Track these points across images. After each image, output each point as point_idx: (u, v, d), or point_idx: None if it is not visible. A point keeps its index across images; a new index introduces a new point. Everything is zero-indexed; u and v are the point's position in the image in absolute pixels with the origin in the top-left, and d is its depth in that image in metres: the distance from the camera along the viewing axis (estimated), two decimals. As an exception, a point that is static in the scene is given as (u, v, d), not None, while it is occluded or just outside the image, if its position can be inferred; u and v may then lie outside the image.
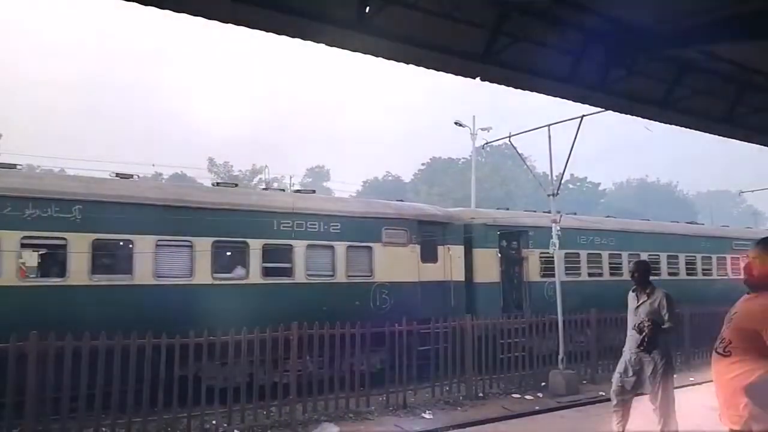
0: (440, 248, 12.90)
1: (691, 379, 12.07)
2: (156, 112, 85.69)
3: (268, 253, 10.78)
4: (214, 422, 8.06)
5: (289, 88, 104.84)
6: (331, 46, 3.77)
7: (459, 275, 13.03)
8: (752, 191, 31.49)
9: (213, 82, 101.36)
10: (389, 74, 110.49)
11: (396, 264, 12.14)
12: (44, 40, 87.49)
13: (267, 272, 10.76)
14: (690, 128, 7.12)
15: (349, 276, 11.57)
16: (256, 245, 10.61)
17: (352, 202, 16.37)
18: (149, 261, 9.63)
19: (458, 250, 13.18)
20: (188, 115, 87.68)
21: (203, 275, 10.09)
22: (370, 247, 11.89)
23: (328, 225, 11.49)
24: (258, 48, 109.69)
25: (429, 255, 12.68)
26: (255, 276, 10.60)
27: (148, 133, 76.99)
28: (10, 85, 75.36)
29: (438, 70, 4.56)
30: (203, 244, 10.12)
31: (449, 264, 12.88)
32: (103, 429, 7.38)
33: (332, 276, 11.43)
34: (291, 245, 11.01)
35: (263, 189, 17.92)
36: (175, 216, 10.02)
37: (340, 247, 11.55)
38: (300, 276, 11.05)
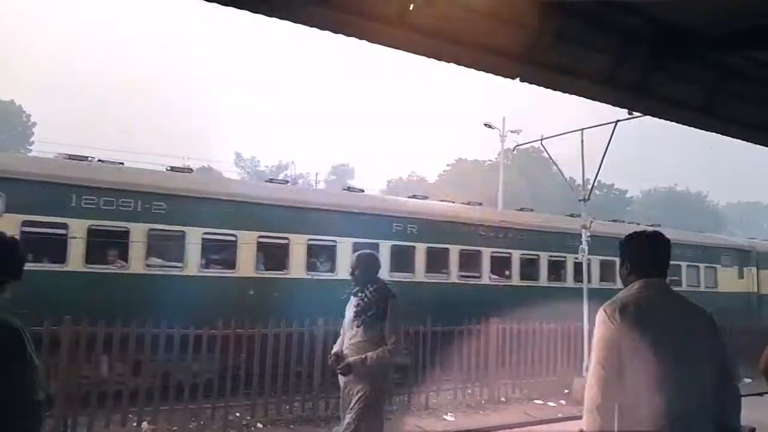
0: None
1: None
2: (176, 105, 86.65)
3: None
4: (237, 414, 8.13)
5: (316, 86, 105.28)
6: (373, 42, 3.74)
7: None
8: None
9: (236, 76, 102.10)
10: (418, 72, 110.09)
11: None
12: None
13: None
14: (730, 136, 6.93)
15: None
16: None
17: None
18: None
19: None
20: (213, 108, 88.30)
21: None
22: None
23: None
24: (284, 42, 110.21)
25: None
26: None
27: (164, 125, 77.95)
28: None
29: (476, 69, 4.47)
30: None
31: None
32: (130, 416, 7.50)
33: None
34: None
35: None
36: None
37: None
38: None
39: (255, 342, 8.32)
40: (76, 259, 9.28)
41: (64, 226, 9.28)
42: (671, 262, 3.01)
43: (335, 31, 3.69)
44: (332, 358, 4.84)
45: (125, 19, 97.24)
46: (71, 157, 10.51)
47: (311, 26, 3.85)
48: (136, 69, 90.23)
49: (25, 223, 8.81)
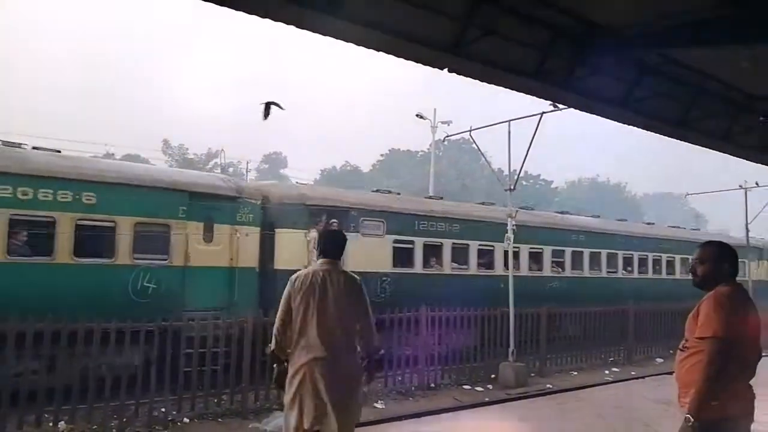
0: None
1: (632, 373, 12.56)
2: (98, 87, 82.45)
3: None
4: (163, 410, 7.87)
5: (248, 72, 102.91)
6: (302, 29, 3.69)
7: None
8: (697, 194, 32.78)
9: (166, 60, 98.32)
10: (352, 61, 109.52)
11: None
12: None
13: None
14: (647, 130, 7.32)
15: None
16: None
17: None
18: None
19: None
20: (138, 93, 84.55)
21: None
22: None
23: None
24: (214, 27, 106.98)
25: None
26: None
27: (90, 110, 73.98)
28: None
29: (407, 59, 4.53)
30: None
31: None
32: (46, 416, 7.11)
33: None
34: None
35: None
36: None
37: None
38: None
39: (181, 335, 8.07)
40: None
41: None
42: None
43: (264, 16, 3.61)
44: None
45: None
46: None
47: (239, 9, 3.75)
48: (51, 50, 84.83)
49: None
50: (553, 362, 12.59)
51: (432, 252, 13.87)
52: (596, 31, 5.25)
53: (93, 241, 9.43)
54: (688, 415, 3.05)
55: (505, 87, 5.47)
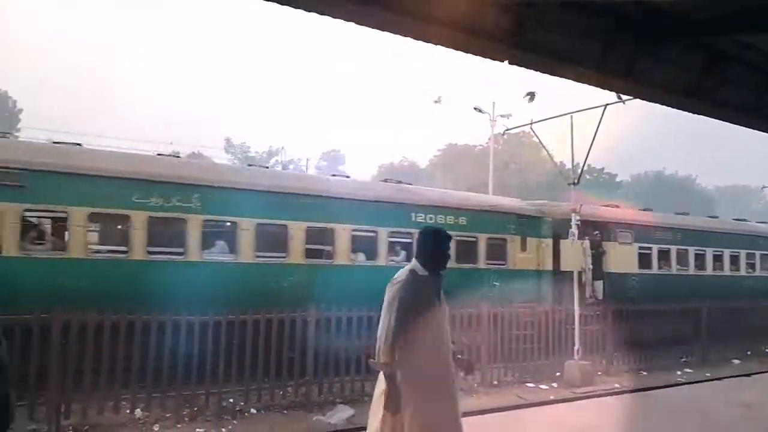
0: None
1: (707, 374, 12.01)
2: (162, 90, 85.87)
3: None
4: (231, 400, 8.17)
5: (306, 70, 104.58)
6: (363, 25, 3.75)
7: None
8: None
9: (224, 61, 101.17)
10: (409, 55, 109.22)
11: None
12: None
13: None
14: (719, 119, 6.99)
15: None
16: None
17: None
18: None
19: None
20: (202, 93, 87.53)
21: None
22: None
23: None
24: (269, 27, 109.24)
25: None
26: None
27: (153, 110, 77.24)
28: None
29: (466, 53, 4.49)
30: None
31: None
32: (123, 403, 7.52)
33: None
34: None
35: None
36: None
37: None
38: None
39: (248, 328, 8.34)
40: None
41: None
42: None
43: (323, 14, 3.68)
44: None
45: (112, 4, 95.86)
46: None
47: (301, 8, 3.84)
48: (125, 57, 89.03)
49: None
50: (620, 361, 12.23)
51: (662, 256, 16.82)
52: (661, 18, 5.06)
53: (465, 252, 12.83)
54: None
55: (566, 78, 5.35)
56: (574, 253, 12.79)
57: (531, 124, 13.25)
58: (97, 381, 7.35)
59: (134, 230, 9.51)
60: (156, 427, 7.40)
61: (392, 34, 4.08)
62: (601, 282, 14.90)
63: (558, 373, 10.96)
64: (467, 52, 4.50)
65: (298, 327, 8.62)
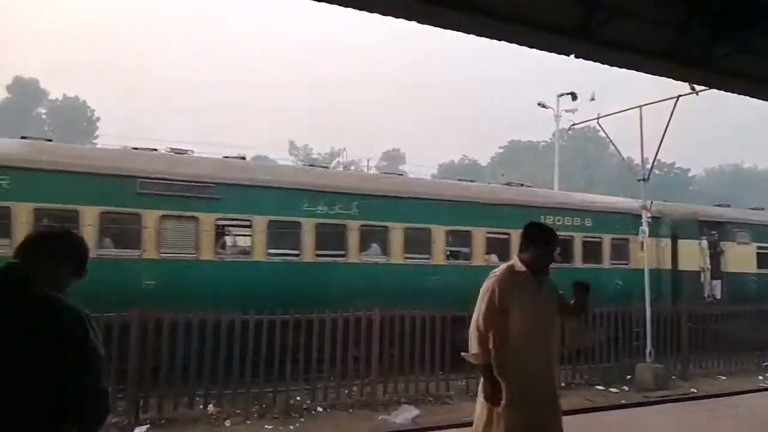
0: None
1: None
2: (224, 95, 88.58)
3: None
4: (298, 398, 8.32)
5: (364, 72, 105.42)
6: (424, 23, 3.74)
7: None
8: None
9: (282, 62, 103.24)
10: (469, 53, 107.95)
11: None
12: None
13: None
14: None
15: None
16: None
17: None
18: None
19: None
20: (263, 96, 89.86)
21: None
22: None
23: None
24: (334, 31, 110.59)
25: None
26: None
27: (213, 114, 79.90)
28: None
29: (532, 47, 4.40)
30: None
31: None
32: (197, 399, 7.80)
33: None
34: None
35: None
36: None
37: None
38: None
39: (313, 327, 8.47)
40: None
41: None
42: None
43: (384, 14, 3.69)
44: None
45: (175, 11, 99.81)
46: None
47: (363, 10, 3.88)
48: (189, 63, 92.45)
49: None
50: (696, 365, 11.67)
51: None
52: (741, 4, 4.79)
53: (591, 253, 13.51)
54: None
55: (635, 69, 5.17)
56: (693, 253, 13.86)
57: (598, 118, 12.81)
58: (172, 378, 7.66)
59: (305, 235, 10.56)
60: (227, 423, 7.63)
61: (458, 33, 4.04)
62: (719, 281, 14.92)
63: (629, 377, 10.57)
64: (532, 47, 4.41)
65: (362, 326, 8.69)
